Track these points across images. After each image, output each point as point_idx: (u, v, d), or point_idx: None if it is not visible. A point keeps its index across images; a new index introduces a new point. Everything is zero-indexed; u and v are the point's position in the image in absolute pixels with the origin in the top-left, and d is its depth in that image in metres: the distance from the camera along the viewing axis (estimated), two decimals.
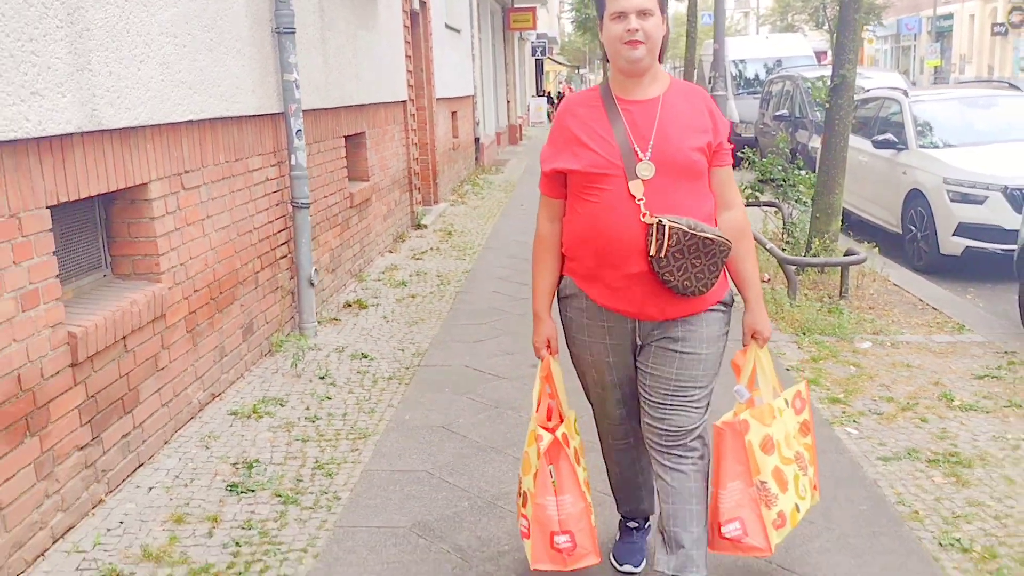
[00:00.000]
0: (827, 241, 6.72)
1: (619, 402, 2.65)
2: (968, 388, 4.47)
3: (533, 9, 23.61)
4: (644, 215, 2.31)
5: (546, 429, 2.50)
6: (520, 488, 2.58)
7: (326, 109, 6.33)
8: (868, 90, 10.24)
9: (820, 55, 54.77)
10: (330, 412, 4.32)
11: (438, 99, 11.75)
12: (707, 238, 2.31)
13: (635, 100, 2.41)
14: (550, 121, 34.26)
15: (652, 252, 2.30)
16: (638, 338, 2.48)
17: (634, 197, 2.33)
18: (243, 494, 3.45)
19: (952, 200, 7.25)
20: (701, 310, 2.44)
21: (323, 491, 3.48)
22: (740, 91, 17.66)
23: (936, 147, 8.00)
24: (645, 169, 2.33)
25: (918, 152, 7.98)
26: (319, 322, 5.73)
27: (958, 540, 3.01)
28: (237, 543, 3.08)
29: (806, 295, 6.23)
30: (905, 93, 8.91)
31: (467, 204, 11.96)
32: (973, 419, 4.07)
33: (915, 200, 7.76)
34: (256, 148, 5.01)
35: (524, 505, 2.54)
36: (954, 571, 2.85)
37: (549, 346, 2.62)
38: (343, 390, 4.63)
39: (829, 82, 6.99)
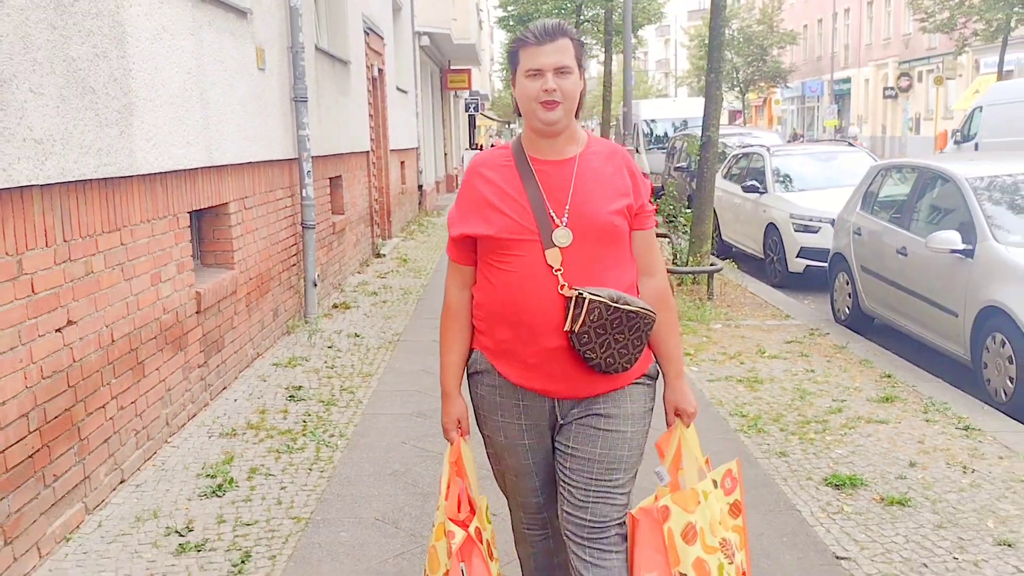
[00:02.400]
0: (700, 259, 8.90)
1: (536, 490, 2.40)
2: (777, 347, 6.60)
3: (468, 71, 25.98)
4: (562, 287, 2.13)
5: (457, 523, 2.25)
6: None
7: (319, 156, 8.27)
8: (741, 147, 12.66)
9: (735, 114, 58.29)
10: (342, 364, 6.22)
11: (391, 150, 13.76)
12: (631, 311, 2.13)
13: (550, 160, 2.22)
14: None
15: (570, 327, 2.12)
16: (558, 417, 2.28)
17: (551, 267, 2.14)
18: (300, 401, 5.33)
19: (796, 230, 9.52)
20: (624, 385, 2.26)
21: (350, 400, 5.38)
22: (651, 146, 20.18)
23: (788, 191, 10.32)
24: (562, 236, 2.15)
25: (774, 195, 10.29)
26: (318, 316, 7.61)
27: (741, 413, 5.07)
28: (304, 421, 4.96)
29: (683, 298, 8.36)
30: (768, 149, 11.28)
31: (415, 240, 13.95)
32: (774, 362, 6.19)
33: (771, 232, 10.03)
34: (280, 183, 6.94)
35: None
36: (735, 426, 4.89)
37: (460, 426, 2.38)
38: (347, 353, 6.53)
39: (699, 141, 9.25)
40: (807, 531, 3.57)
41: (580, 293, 2.11)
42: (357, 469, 4.27)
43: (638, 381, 2.29)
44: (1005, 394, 5.22)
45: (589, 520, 2.21)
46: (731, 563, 2.29)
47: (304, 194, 7.29)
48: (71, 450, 3.54)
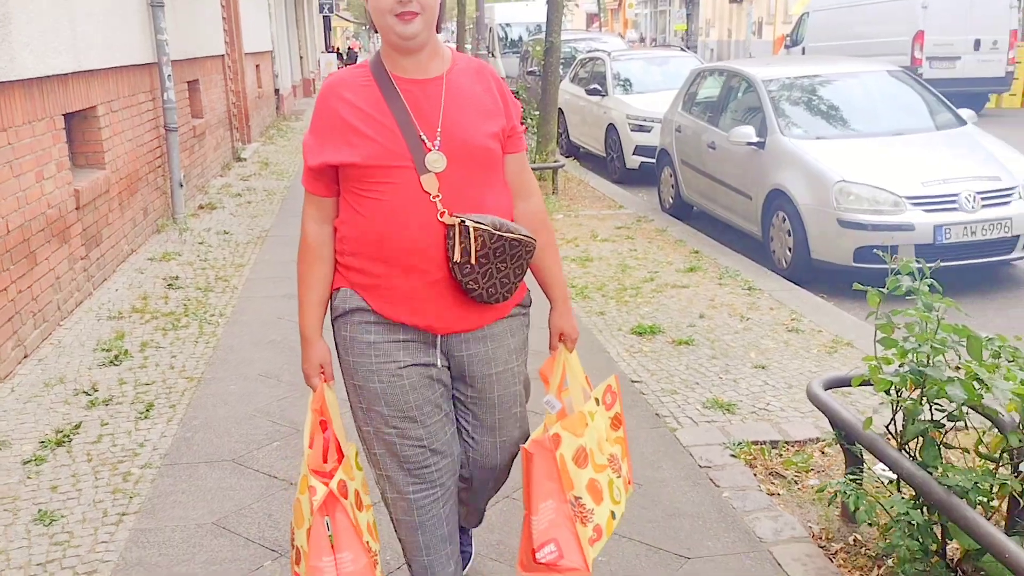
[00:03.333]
0: (545, 157, 9.71)
1: (420, 439, 2.17)
2: (608, 232, 7.53)
3: None
4: (442, 214, 2.01)
5: (320, 475, 2.13)
6: (293, 540, 2.19)
7: (176, 61, 8.48)
8: (587, 51, 13.45)
9: (592, 17, 58.75)
10: (214, 257, 6.73)
11: (246, 53, 13.78)
12: (514, 239, 2.04)
13: (415, 79, 2.06)
14: None
15: (456, 258, 2.00)
16: (440, 355, 2.15)
17: (428, 194, 2.01)
18: (178, 289, 5.85)
19: (632, 130, 10.45)
20: (502, 316, 2.19)
21: (225, 287, 5.95)
22: (506, 51, 20.66)
23: (626, 93, 11.20)
24: (436, 161, 2.01)
25: (613, 97, 11.16)
26: (186, 215, 8.00)
27: (572, 285, 5.95)
28: (184, 305, 5.51)
29: None
30: (609, 55, 12.09)
31: (275, 144, 14.17)
32: (604, 244, 7.11)
33: (611, 132, 10.93)
34: (142, 87, 7.21)
35: (298, 563, 2.15)
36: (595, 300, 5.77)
37: (323, 371, 2.21)
38: (217, 248, 7.02)
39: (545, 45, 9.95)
40: (612, 366, 4.49)
41: (463, 221, 1.99)
42: (239, 340, 4.91)
43: (514, 313, 2.22)
44: (785, 262, 6.32)
45: (499, 462, 2.32)
46: (619, 476, 2.34)
47: (165, 97, 7.58)
48: None
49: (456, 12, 19.78)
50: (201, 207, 8.62)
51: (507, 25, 21.57)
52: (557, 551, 2.17)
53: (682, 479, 3.33)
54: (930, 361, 2.50)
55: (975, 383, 2.39)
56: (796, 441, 3.63)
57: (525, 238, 2.07)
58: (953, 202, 5.70)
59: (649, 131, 10.31)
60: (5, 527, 3.02)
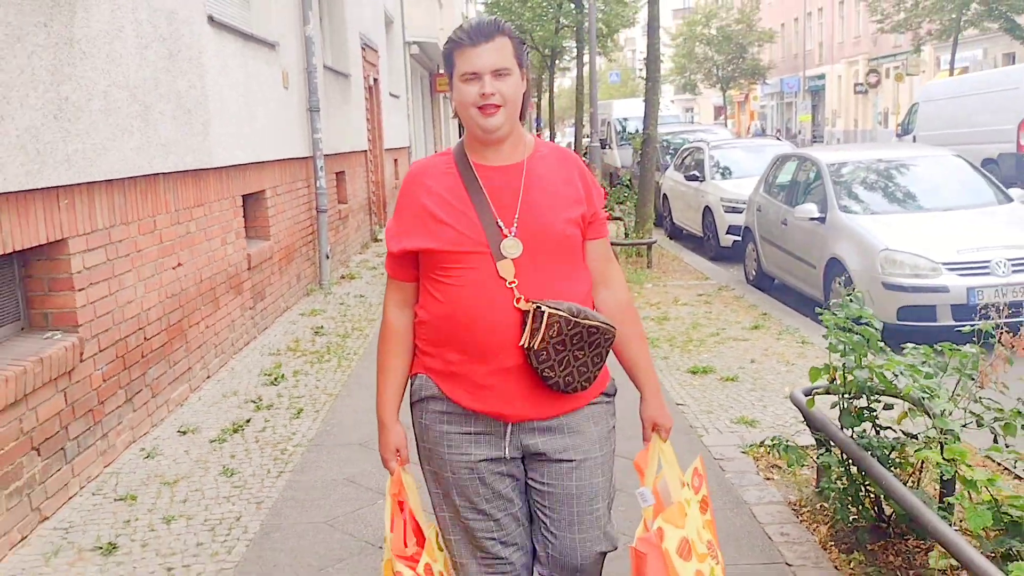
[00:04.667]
0: (641, 235, 10.79)
1: (491, 529, 2.16)
2: (689, 298, 8.49)
3: None
4: (518, 300, 2.00)
5: (404, 560, 2.13)
6: None
7: (328, 155, 10.12)
8: (689, 141, 14.57)
9: (718, 110, 59.63)
10: (352, 314, 8.09)
11: (385, 149, 15.61)
12: (592, 326, 2.01)
13: (495, 167, 2.09)
14: None
15: (529, 344, 1.98)
16: (514, 446, 2.11)
17: (504, 280, 2.01)
18: (323, 335, 7.20)
19: (725, 211, 11.41)
20: (583, 405, 2.13)
21: (360, 334, 7.25)
22: (622, 143, 22.04)
23: (722, 179, 12.20)
24: (512, 247, 2.02)
25: (710, 182, 12.18)
26: (330, 282, 9.47)
27: (653, 339, 6.93)
28: (327, 347, 6.82)
29: (627, 267, 10.24)
30: (708, 144, 13.17)
31: None
32: (683, 307, 8.07)
33: (707, 213, 11.92)
34: (300, 176, 8.80)
35: None
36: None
37: (399, 455, 2.23)
38: (354, 307, 8.39)
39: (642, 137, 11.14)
40: (666, 395, 5.44)
41: (538, 306, 1.99)
42: (368, 371, 6.14)
43: (597, 400, 2.16)
44: None
45: (580, 562, 2.13)
46: (718, 563, 2.26)
47: (318, 185, 9.15)
48: (182, 347, 5.41)
49: (575, 109, 21.32)
50: (343, 277, 10.11)
51: (624, 119, 23.01)
52: None
53: None
54: (857, 362, 3.42)
55: (879, 372, 3.30)
56: (800, 446, 4.49)
57: (603, 325, 2.04)
58: (986, 267, 6.41)
59: (741, 212, 11.24)
60: (200, 476, 4.26)
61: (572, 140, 25.61)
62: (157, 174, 5.06)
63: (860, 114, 44.40)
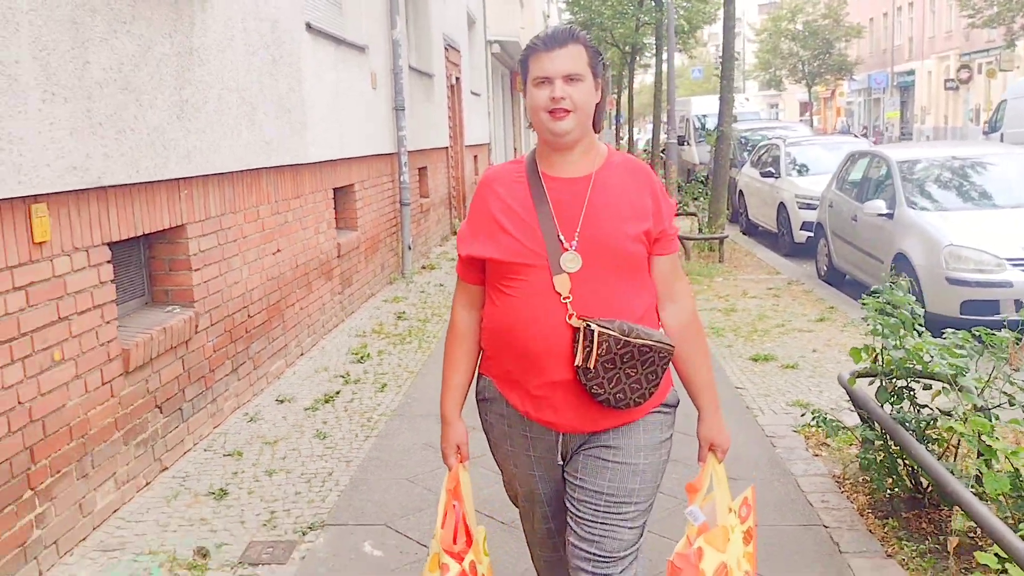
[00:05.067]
0: (714, 230, 11.01)
1: (547, 517, 2.33)
2: (758, 291, 8.71)
3: None
4: (570, 316, 2.02)
5: (452, 555, 2.16)
6: None
7: (411, 151, 10.64)
8: (767, 138, 14.67)
9: (804, 106, 58.52)
10: (432, 301, 8.57)
11: (466, 146, 16.12)
12: (644, 345, 2.00)
13: (562, 178, 2.10)
14: None
15: (578, 362, 2.00)
16: (566, 451, 2.17)
17: (559, 295, 2.03)
18: (405, 320, 7.69)
19: (799, 208, 11.52)
20: (638, 418, 2.13)
21: (439, 320, 7.71)
22: (700, 139, 22.11)
23: (797, 175, 12.31)
24: (571, 261, 2.03)
25: (784, 179, 12.29)
26: (412, 272, 9.99)
27: (712, 327, 7.20)
28: (409, 330, 7.30)
29: (700, 261, 10.49)
30: (783, 140, 13.26)
31: None
32: (752, 300, 8.30)
33: (782, 210, 12.04)
34: (385, 171, 9.32)
35: None
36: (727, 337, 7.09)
37: (459, 452, 2.28)
38: (434, 295, 8.87)
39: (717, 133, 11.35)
40: (726, 379, 5.74)
41: (588, 325, 1.99)
42: None
43: (654, 411, 2.15)
44: None
45: (596, 554, 2.11)
46: None
47: (402, 180, 9.66)
48: (279, 326, 5.94)
49: (653, 106, 21.50)
50: (423, 267, 10.62)
51: (703, 116, 23.07)
52: None
53: (750, 442, 4.57)
54: (896, 344, 3.69)
55: (918, 355, 3.57)
56: (844, 426, 4.75)
57: (657, 344, 2.03)
58: None
59: (815, 208, 11.35)
60: (297, 439, 4.76)
61: (651, 136, 25.70)
62: (261, 168, 5.59)
63: (951, 111, 43.16)
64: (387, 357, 6.45)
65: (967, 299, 6.61)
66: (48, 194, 3.34)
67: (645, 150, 28.31)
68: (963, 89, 41.30)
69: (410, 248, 9.86)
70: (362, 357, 6.38)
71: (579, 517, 2.13)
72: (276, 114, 5.86)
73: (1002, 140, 18.46)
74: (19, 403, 3.16)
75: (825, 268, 9.60)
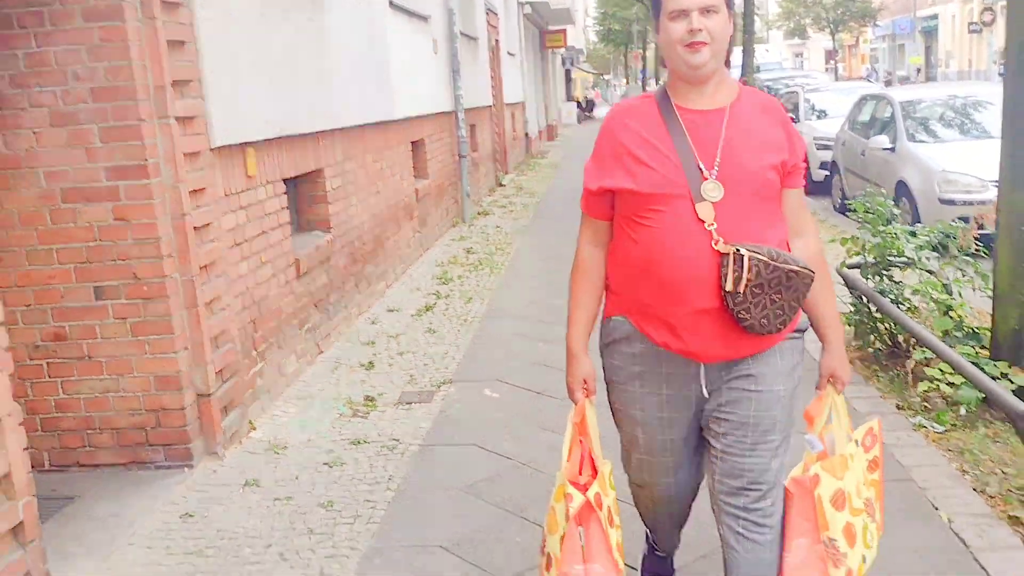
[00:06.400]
0: None
1: (669, 470, 2.32)
2: None
3: (564, 30, 29.16)
4: (717, 242, 2.02)
5: (576, 486, 2.17)
6: (544, 547, 2.26)
7: (466, 109, 11.86)
8: (788, 87, 15.72)
9: (830, 54, 58.46)
10: (493, 239, 9.85)
11: (506, 104, 17.28)
12: (791, 270, 2.02)
13: (698, 110, 2.10)
14: (579, 123, 39.89)
15: (729, 287, 2.00)
16: (704, 386, 2.17)
17: (703, 222, 2.03)
18: (473, 254, 8.98)
19: (817, 148, 12.57)
20: (774, 344, 2.15)
21: (502, 254, 8.98)
22: None
23: (816, 119, 13.38)
24: (712, 189, 2.04)
25: (804, 123, 13.37)
26: (471, 216, 11.26)
27: None
28: (479, 260, 8.59)
29: None
30: (802, 88, 14.31)
31: (526, 176, 17.52)
32: None
33: None
34: (445, 126, 10.56)
35: (548, 568, 2.21)
36: None
37: (586, 386, 2.28)
38: (494, 235, 10.14)
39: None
40: None
41: (738, 249, 2.00)
42: (516, 276, 7.89)
43: (788, 336, 2.17)
44: None
45: (746, 487, 2.15)
46: (873, 521, 2.31)
47: (459, 135, 10.91)
48: (382, 254, 7.25)
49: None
50: (479, 213, 11.90)
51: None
52: None
53: None
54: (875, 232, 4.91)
55: (893, 239, 4.80)
56: (845, 313, 5.97)
57: (803, 270, 2.05)
58: None
59: (830, 148, 12.45)
60: (413, 334, 6.07)
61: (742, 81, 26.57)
62: (366, 124, 6.86)
63: (975, 54, 43.39)
64: (466, 280, 7.76)
65: (957, 216, 7.76)
66: (254, 141, 4.63)
67: None
68: (987, 32, 41.51)
69: (468, 196, 11.13)
70: (446, 280, 7.69)
71: (726, 452, 2.17)
72: (375, 79, 7.12)
73: None
74: (246, 289, 4.48)
75: (839, 201, 10.74)
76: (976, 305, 4.92)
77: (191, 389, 3.81)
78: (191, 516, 3.48)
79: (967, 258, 4.71)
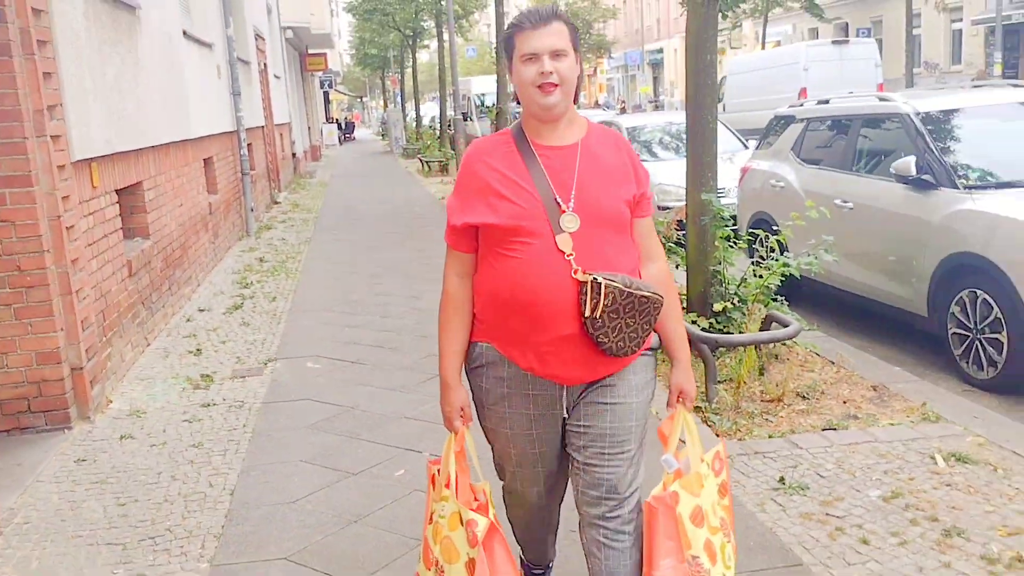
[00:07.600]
0: None
1: (536, 480, 2.48)
2: None
3: (324, 54, 29.95)
4: (576, 272, 2.15)
5: (475, 511, 2.27)
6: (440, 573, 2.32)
7: (245, 129, 12.52)
8: None
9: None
10: (282, 249, 10.65)
11: (276, 124, 17.91)
12: (643, 296, 2.18)
13: (553, 146, 2.24)
14: (340, 144, 40.65)
15: (587, 313, 2.14)
16: (566, 404, 2.32)
17: (563, 252, 2.16)
18: (266, 263, 9.75)
19: None
20: (629, 363, 2.31)
21: (293, 262, 9.83)
22: (481, 115, 24.97)
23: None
24: (570, 221, 2.17)
25: None
26: (256, 229, 11.94)
27: None
28: (273, 267, 9.40)
29: None
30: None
31: (298, 194, 18.24)
32: None
33: None
34: (228, 146, 11.24)
35: None
36: None
37: (463, 414, 2.39)
38: (281, 247, 10.94)
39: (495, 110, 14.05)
40: None
41: (595, 278, 2.13)
42: (312, 280, 8.80)
43: (641, 354, 2.32)
44: None
45: (604, 496, 2.28)
46: (729, 541, 2.41)
47: (241, 153, 11.61)
48: (186, 260, 7.93)
49: (438, 85, 24.04)
50: (262, 228, 12.59)
51: (483, 95, 25.94)
52: None
53: None
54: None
55: None
56: None
57: (653, 295, 2.19)
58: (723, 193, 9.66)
59: None
60: (228, 327, 6.87)
61: (437, 113, 28.22)
62: (171, 142, 7.56)
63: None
64: (266, 283, 8.59)
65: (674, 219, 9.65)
66: (97, 157, 5.34)
67: (430, 126, 30.82)
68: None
69: (252, 210, 11.83)
70: (246, 284, 8.48)
71: (587, 464, 2.30)
72: (176, 101, 7.82)
73: (723, 111, 22.62)
74: (97, 283, 5.18)
75: None
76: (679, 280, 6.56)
77: (67, 363, 4.52)
78: (84, 460, 4.23)
79: (672, 245, 6.31)
